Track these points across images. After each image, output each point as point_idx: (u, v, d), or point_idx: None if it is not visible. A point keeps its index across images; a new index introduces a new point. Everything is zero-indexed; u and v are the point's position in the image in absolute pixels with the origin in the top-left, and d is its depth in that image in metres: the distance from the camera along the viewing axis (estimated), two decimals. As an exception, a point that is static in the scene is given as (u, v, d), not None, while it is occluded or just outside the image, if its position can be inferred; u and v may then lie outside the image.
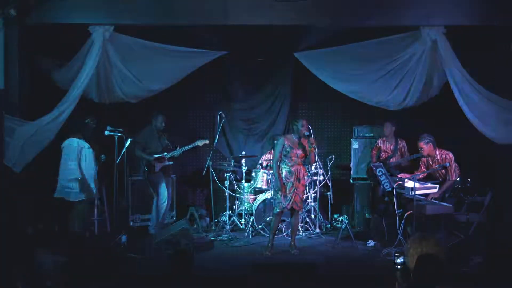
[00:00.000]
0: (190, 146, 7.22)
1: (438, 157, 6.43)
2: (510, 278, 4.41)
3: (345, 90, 7.23)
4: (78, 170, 6.04)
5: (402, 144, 7.24)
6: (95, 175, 6.23)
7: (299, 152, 6.28)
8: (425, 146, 6.42)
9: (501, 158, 6.65)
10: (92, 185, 6.17)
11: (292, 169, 6.28)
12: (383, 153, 7.31)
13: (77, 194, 6.11)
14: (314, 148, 6.30)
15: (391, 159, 7.15)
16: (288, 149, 6.26)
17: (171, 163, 7.19)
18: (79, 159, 6.08)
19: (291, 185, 6.27)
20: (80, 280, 3.85)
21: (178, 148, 7.14)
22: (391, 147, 7.23)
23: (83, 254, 4.82)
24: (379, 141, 7.40)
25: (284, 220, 7.05)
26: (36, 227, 6.25)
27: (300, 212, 6.62)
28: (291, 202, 6.26)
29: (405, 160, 7.11)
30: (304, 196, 7.16)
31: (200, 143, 7.25)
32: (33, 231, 6.17)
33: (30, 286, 3.60)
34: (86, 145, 6.15)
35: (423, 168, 6.60)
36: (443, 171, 6.43)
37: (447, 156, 6.38)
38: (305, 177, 6.61)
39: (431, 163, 6.50)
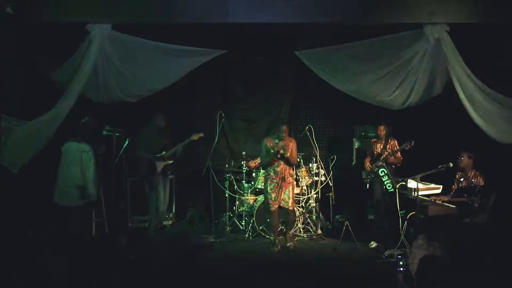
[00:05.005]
0: (186, 141, 7.09)
1: (470, 176, 6.42)
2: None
3: (347, 89, 7.15)
4: (80, 175, 5.96)
5: (393, 142, 7.13)
6: (95, 178, 6.13)
7: (281, 152, 6.60)
8: (466, 159, 6.41)
9: (505, 159, 6.57)
10: (92, 190, 6.09)
11: (277, 169, 6.67)
12: (374, 154, 7.24)
13: (77, 199, 6.01)
14: (285, 150, 6.59)
15: (380, 157, 7.06)
16: (271, 151, 6.61)
17: (172, 161, 7.10)
18: (81, 164, 5.98)
19: (275, 184, 6.64)
20: (79, 282, 3.81)
21: (178, 145, 7.03)
22: (381, 147, 7.15)
23: (83, 257, 4.75)
24: (371, 142, 7.37)
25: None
26: (36, 230, 6.20)
27: (293, 209, 6.85)
28: (277, 201, 6.62)
29: (391, 155, 7.00)
30: (305, 197, 7.18)
31: (195, 137, 7.11)
32: (33, 233, 6.13)
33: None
34: (87, 148, 6.06)
35: (454, 187, 6.58)
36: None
37: (478, 179, 6.36)
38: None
39: (461, 179, 6.50)
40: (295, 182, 6.97)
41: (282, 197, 6.65)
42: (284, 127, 6.70)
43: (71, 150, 6.00)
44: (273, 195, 6.64)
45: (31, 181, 6.32)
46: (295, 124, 8.41)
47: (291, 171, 6.79)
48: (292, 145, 6.73)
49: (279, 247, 6.67)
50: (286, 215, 6.83)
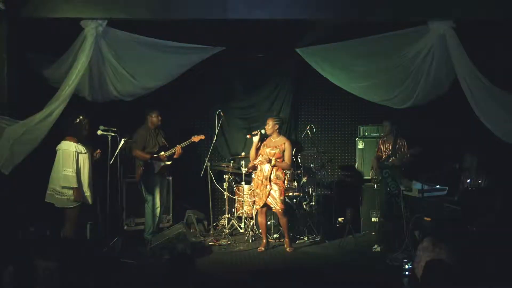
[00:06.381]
0: (187, 143, 7.05)
1: (475, 177, 6.40)
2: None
3: (349, 87, 7.03)
4: (75, 178, 5.79)
5: (402, 143, 7.00)
6: (90, 180, 5.97)
7: (267, 150, 6.57)
8: (471, 160, 6.44)
9: (512, 159, 6.47)
10: (88, 192, 5.92)
11: (263, 166, 6.58)
12: (382, 153, 7.14)
13: (70, 201, 5.84)
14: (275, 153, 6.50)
15: (389, 159, 6.93)
16: (264, 148, 6.64)
17: (170, 162, 7.01)
18: (77, 166, 5.83)
19: (260, 182, 6.58)
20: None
21: (178, 146, 6.97)
22: (390, 147, 7.02)
23: (76, 260, 4.63)
24: (380, 141, 7.26)
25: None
26: (27, 232, 6.05)
27: (282, 211, 6.55)
28: (262, 200, 6.53)
29: (399, 159, 6.86)
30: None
31: (195, 138, 7.10)
32: (24, 235, 5.98)
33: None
34: (83, 149, 5.91)
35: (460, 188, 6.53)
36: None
37: (484, 180, 6.36)
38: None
39: (467, 180, 6.47)
40: (283, 184, 6.63)
41: (268, 197, 6.49)
42: (269, 120, 6.64)
43: (67, 150, 5.86)
44: (257, 191, 6.62)
45: (25, 181, 6.16)
46: (296, 123, 8.25)
47: (278, 173, 6.55)
48: (283, 146, 6.51)
49: (264, 248, 6.64)
50: (278, 218, 6.73)
